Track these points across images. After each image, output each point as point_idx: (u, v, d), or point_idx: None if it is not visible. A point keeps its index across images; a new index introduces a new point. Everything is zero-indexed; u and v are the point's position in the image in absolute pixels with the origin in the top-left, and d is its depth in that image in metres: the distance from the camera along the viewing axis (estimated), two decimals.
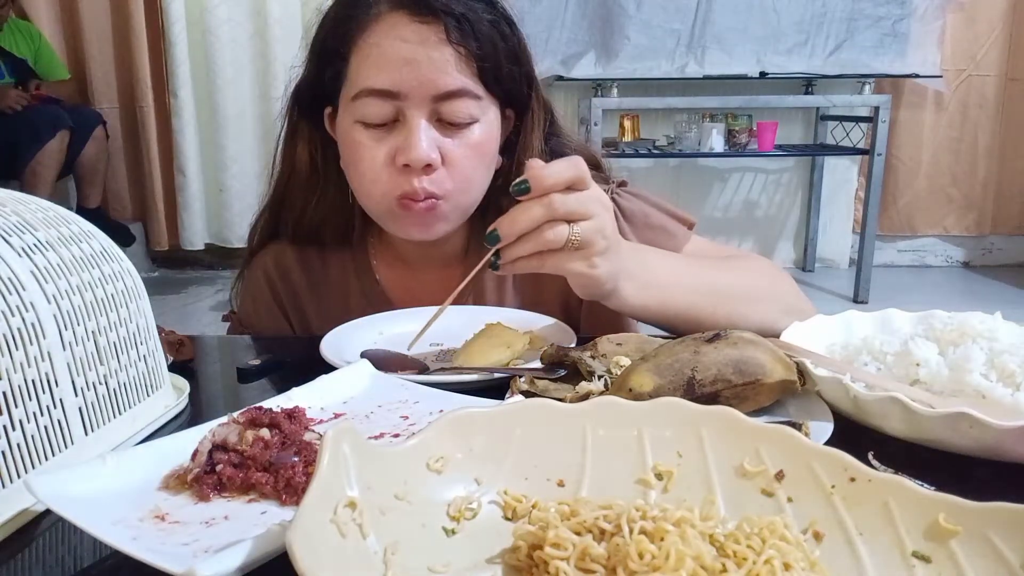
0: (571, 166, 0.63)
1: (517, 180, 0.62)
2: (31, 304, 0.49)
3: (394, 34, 0.79)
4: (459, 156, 0.82)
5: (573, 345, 0.73)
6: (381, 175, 0.82)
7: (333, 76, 0.84)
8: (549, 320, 0.83)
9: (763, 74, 3.45)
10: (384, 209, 0.85)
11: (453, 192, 0.83)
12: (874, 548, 0.38)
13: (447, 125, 0.82)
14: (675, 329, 0.77)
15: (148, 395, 0.61)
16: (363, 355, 0.70)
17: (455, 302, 0.70)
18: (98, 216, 3.38)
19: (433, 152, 0.80)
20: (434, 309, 0.86)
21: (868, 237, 3.38)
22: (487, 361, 0.69)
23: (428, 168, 0.80)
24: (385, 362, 0.69)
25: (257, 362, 0.74)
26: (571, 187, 0.63)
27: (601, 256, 0.66)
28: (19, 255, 0.51)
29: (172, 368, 0.68)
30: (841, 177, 3.92)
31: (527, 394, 0.59)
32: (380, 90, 0.79)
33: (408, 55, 0.78)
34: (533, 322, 0.82)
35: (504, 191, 0.91)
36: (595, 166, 0.99)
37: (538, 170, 0.62)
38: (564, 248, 0.64)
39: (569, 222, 0.63)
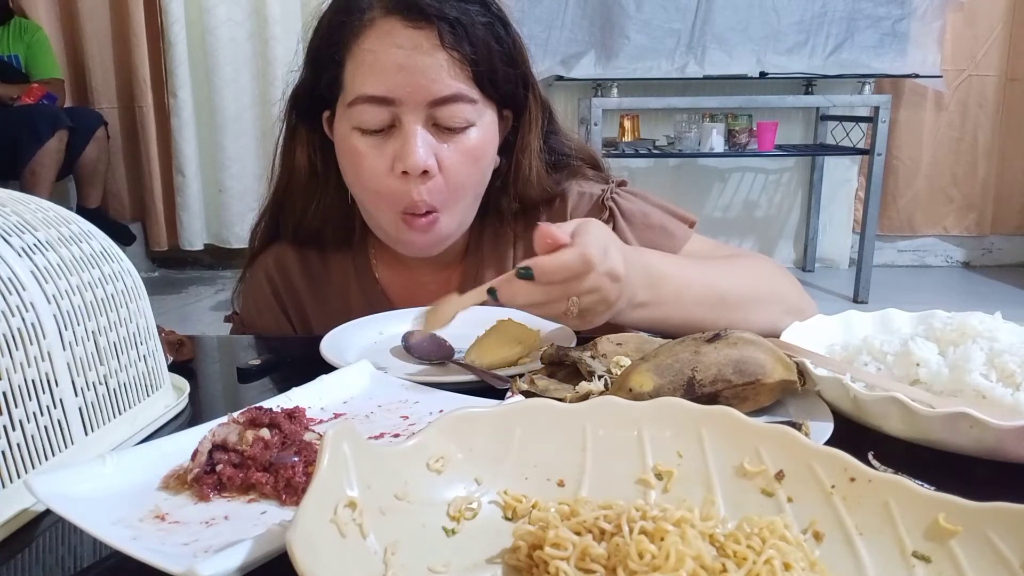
0: (580, 261, 0.61)
1: (522, 266, 0.62)
2: (31, 304, 0.49)
3: (388, 40, 0.79)
4: (456, 161, 0.82)
5: (573, 345, 0.73)
6: (382, 186, 0.82)
7: (329, 82, 0.84)
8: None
9: (763, 74, 3.45)
10: (388, 223, 0.85)
11: (451, 200, 0.83)
12: (874, 548, 0.38)
13: (443, 130, 0.82)
14: (675, 334, 0.78)
15: (148, 395, 0.61)
16: (404, 337, 0.77)
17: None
18: (98, 216, 3.38)
19: (430, 158, 0.80)
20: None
21: (868, 237, 3.38)
22: (499, 356, 0.70)
23: (425, 175, 0.81)
24: (422, 347, 0.75)
25: (257, 362, 0.74)
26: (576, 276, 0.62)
27: (600, 316, 0.67)
28: (19, 255, 0.51)
29: (172, 368, 0.68)
30: (841, 177, 3.92)
31: (527, 394, 0.59)
32: (375, 97, 0.79)
33: (402, 62, 0.78)
34: (533, 322, 0.82)
35: (503, 192, 0.91)
36: (594, 165, 0.99)
37: (544, 262, 0.61)
38: (564, 314, 0.64)
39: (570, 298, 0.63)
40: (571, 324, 0.68)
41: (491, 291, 0.64)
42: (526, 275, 0.62)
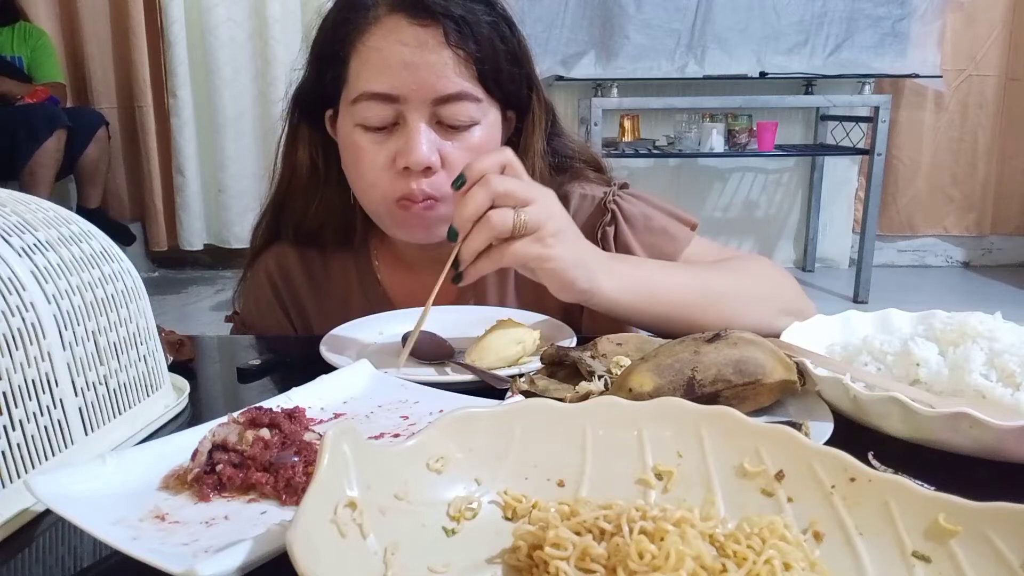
0: (498, 153, 0.69)
1: (455, 178, 0.68)
2: (31, 304, 0.49)
3: (393, 38, 0.79)
4: (459, 158, 0.82)
5: (573, 345, 0.73)
6: (381, 178, 0.82)
7: (333, 79, 0.84)
8: (549, 320, 0.83)
9: (763, 74, 3.45)
10: (384, 211, 0.85)
11: (452, 195, 0.83)
12: (874, 548, 0.38)
13: (447, 128, 0.82)
14: (667, 330, 0.78)
15: (148, 395, 0.60)
16: (404, 337, 0.75)
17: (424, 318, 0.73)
18: (98, 216, 3.38)
19: (433, 155, 0.80)
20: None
21: (868, 237, 3.38)
22: (499, 356, 0.70)
23: (428, 171, 0.81)
24: (422, 347, 0.74)
25: (257, 362, 0.73)
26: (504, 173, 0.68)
27: (554, 237, 0.69)
28: (19, 255, 0.51)
29: (172, 368, 0.68)
30: (841, 177, 3.92)
31: (527, 394, 0.59)
32: (380, 94, 0.79)
33: (407, 59, 0.78)
34: (533, 322, 0.82)
35: None
36: (596, 167, 0.98)
37: (470, 162, 0.68)
38: (515, 235, 0.67)
39: (515, 208, 0.67)
40: (532, 252, 0.68)
41: (450, 231, 0.68)
42: (460, 182, 0.67)
